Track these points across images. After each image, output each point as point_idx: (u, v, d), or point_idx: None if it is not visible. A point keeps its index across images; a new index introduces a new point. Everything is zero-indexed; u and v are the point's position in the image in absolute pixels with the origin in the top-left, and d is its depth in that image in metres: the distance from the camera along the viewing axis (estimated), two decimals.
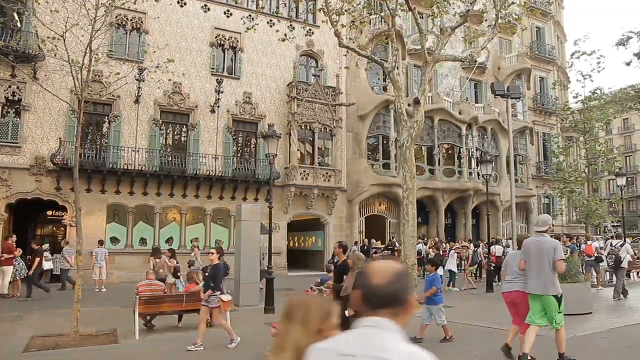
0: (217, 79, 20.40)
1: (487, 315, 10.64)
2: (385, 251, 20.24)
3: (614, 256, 13.12)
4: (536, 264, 5.97)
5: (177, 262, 12.99)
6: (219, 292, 7.69)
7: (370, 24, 23.35)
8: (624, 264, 12.87)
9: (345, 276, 6.69)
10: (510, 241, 20.04)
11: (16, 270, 13.69)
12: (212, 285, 7.69)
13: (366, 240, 21.17)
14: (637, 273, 18.35)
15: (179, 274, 12.69)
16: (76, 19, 9.17)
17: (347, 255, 7.61)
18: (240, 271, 12.26)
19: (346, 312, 5.95)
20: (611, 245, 13.91)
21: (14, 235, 14.43)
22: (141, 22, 19.61)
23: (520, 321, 6.31)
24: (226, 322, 7.92)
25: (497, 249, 16.38)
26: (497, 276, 15.52)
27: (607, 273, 16.42)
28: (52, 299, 13.26)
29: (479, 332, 8.75)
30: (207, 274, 8.21)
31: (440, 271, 10.49)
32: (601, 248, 15.68)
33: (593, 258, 15.16)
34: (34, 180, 17.21)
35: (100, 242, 16.24)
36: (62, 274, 15.40)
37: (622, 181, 23.34)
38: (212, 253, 8.03)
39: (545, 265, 5.94)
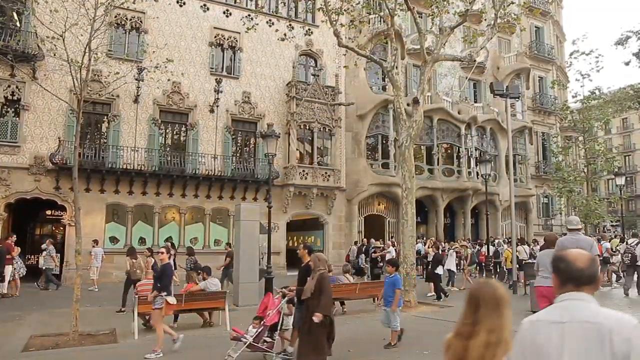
0: (216, 79, 20.40)
1: None
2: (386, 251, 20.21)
3: (630, 255, 13.32)
4: None
5: (155, 261, 12.85)
6: (164, 293, 7.38)
7: (369, 23, 23.35)
8: None
9: (309, 278, 6.30)
10: (500, 241, 20.11)
11: (15, 269, 13.69)
12: (158, 285, 7.39)
13: (365, 239, 21.15)
14: None
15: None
16: (75, 18, 9.17)
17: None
18: (239, 271, 12.28)
19: (314, 318, 5.70)
20: (627, 243, 14.20)
21: (14, 235, 14.42)
22: (140, 21, 19.60)
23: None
24: (162, 327, 7.43)
25: (523, 249, 16.38)
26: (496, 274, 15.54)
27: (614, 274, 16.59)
28: (51, 298, 13.26)
29: None
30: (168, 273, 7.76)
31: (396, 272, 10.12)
32: (614, 251, 15.85)
33: (601, 258, 15.28)
34: (33, 180, 17.20)
35: (96, 242, 16.15)
36: (46, 273, 15.37)
37: (621, 181, 23.40)
38: (162, 252, 7.67)
39: None
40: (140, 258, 12.50)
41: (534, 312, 9.45)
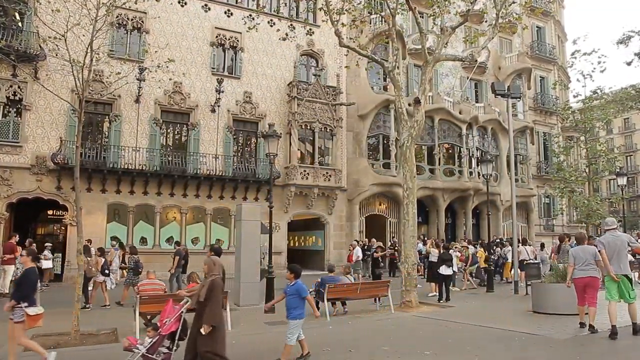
0: (217, 79, 20.42)
1: (487, 315, 10.64)
2: (389, 250, 20.23)
3: None
4: (616, 252, 7.83)
5: (105, 260, 13.00)
6: (25, 304, 6.17)
7: (370, 23, 23.36)
8: None
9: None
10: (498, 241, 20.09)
11: (18, 269, 13.69)
12: (17, 294, 6.23)
13: (366, 239, 21.16)
14: None
15: (107, 271, 12.72)
16: (77, 18, 9.18)
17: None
18: (240, 270, 12.29)
19: (202, 330, 5.31)
20: None
21: (17, 235, 14.43)
22: (142, 21, 19.63)
23: (585, 302, 8.32)
24: (26, 343, 6.43)
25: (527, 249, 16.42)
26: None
27: None
28: (52, 298, 13.26)
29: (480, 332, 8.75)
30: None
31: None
32: None
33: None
34: (35, 180, 17.23)
35: (89, 241, 15.87)
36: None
37: (622, 181, 23.36)
38: (23, 255, 6.35)
39: (623, 253, 7.88)
40: (95, 256, 12.83)
41: (535, 312, 9.90)
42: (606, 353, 7.20)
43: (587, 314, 8.34)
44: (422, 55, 13.52)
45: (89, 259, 12.48)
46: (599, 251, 7.95)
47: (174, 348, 5.77)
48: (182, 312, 5.81)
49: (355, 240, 20.06)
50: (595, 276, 8.26)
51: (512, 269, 15.40)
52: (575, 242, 9.40)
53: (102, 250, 13.38)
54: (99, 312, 11.31)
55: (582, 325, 8.50)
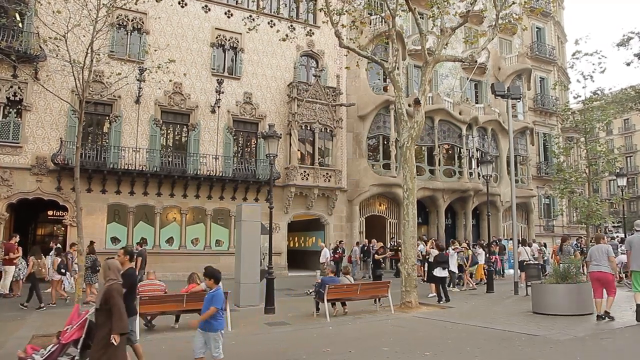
0: (217, 79, 20.43)
1: (487, 316, 10.65)
2: (391, 251, 20.21)
3: None
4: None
5: (62, 260, 12.84)
6: None
7: (370, 24, 23.36)
8: None
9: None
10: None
11: (19, 269, 13.69)
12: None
13: (367, 240, 21.16)
14: None
15: (63, 270, 12.66)
16: (78, 19, 9.21)
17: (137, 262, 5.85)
18: (240, 271, 12.29)
19: (112, 341, 4.81)
20: None
21: (17, 235, 14.43)
22: (142, 22, 19.64)
23: (600, 295, 9.34)
24: None
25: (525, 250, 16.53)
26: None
27: None
28: (47, 299, 13.26)
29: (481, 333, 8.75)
30: None
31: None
32: None
33: None
34: (35, 180, 17.23)
35: (56, 247, 14.81)
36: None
37: (622, 182, 23.35)
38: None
39: None
40: (44, 258, 13.06)
41: (535, 312, 9.98)
42: (607, 353, 7.20)
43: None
44: (422, 56, 13.54)
45: (38, 260, 12.85)
46: (627, 251, 9.26)
47: (77, 358, 5.33)
48: (86, 319, 5.38)
49: (323, 243, 20.51)
50: (606, 271, 9.22)
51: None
52: (594, 241, 11.00)
53: (59, 250, 13.54)
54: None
55: (599, 318, 9.28)
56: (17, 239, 14.07)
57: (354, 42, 14.12)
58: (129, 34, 19.61)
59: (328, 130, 22.25)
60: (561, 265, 11.28)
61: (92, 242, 14.40)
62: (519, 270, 15.45)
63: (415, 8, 13.32)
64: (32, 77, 16.84)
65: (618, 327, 8.96)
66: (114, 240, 18.52)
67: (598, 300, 9.45)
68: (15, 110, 17.38)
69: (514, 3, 13.76)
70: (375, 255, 17.05)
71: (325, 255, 18.28)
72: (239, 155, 21.17)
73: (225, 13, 21.48)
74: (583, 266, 12.42)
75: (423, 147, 25.06)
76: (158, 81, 17.69)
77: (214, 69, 20.86)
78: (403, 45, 24.10)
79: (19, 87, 17.30)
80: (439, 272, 13.31)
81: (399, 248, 19.99)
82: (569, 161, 28.26)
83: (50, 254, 14.02)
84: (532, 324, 9.23)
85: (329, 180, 21.84)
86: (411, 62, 25.93)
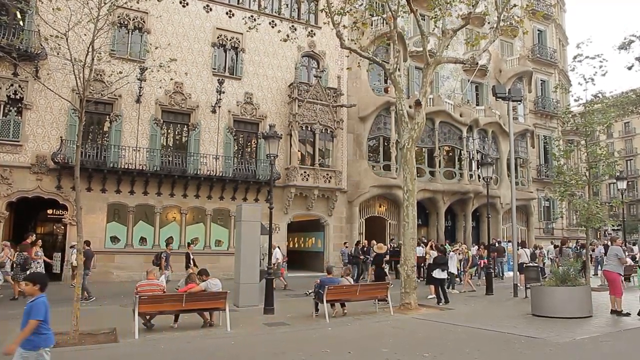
0: (218, 79, 20.43)
1: (486, 318, 10.63)
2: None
3: None
4: None
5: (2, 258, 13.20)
6: None
7: (371, 25, 23.36)
8: None
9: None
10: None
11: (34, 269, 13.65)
12: None
13: (366, 241, 21.12)
14: None
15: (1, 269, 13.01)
16: (79, 17, 9.18)
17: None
18: (240, 271, 12.28)
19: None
20: None
21: (33, 234, 14.55)
22: (143, 21, 19.64)
23: (614, 291, 10.25)
24: None
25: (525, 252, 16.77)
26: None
27: None
28: (52, 298, 13.24)
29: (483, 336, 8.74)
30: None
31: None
32: None
33: None
34: (35, 179, 17.23)
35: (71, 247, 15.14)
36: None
37: (622, 185, 23.33)
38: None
39: None
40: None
41: (535, 315, 10.07)
42: (606, 356, 7.18)
43: None
44: (423, 57, 13.53)
45: None
46: None
47: None
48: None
49: (277, 246, 19.51)
50: (612, 270, 10.27)
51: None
52: (609, 242, 11.99)
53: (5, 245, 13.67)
54: (100, 311, 11.27)
55: (612, 312, 10.23)
56: (33, 237, 14.25)
57: (355, 43, 14.11)
58: (130, 33, 19.62)
59: (328, 131, 22.25)
60: (560, 267, 11.28)
61: (88, 242, 14.24)
62: (518, 273, 15.44)
63: (416, 10, 13.32)
64: (32, 76, 16.83)
65: (618, 330, 8.95)
66: (114, 239, 18.51)
67: (611, 297, 10.38)
68: (15, 108, 17.38)
69: (515, 5, 13.76)
70: (385, 257, 16.76)
71: (277, 256, 16.34)
72: (240, 156, 21.17)
73: (227, 13, 21.49)
74: (581, 270, 12.42)
75: (423, 149, 25.06)
76: (159, 80, 17.66)
77: (214, 69, 20.86)
78: (404, 47, 24.09)
79: (19, 86, 17.30)
80: (438, 273, 13.33)
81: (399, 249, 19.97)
82: (569, 164, 28.25)
83: None
84: (531, 327, 9.21)
85: (329, 181, 21.83)
86: (412, 64, 25.94)
